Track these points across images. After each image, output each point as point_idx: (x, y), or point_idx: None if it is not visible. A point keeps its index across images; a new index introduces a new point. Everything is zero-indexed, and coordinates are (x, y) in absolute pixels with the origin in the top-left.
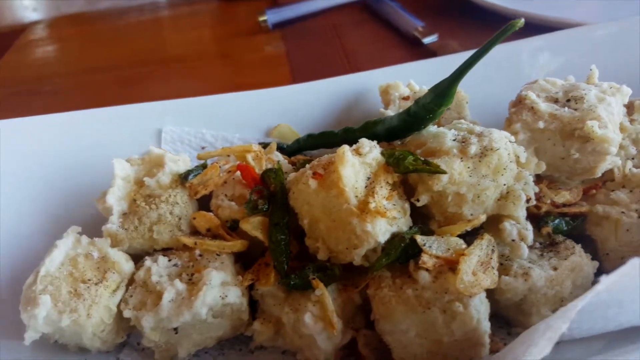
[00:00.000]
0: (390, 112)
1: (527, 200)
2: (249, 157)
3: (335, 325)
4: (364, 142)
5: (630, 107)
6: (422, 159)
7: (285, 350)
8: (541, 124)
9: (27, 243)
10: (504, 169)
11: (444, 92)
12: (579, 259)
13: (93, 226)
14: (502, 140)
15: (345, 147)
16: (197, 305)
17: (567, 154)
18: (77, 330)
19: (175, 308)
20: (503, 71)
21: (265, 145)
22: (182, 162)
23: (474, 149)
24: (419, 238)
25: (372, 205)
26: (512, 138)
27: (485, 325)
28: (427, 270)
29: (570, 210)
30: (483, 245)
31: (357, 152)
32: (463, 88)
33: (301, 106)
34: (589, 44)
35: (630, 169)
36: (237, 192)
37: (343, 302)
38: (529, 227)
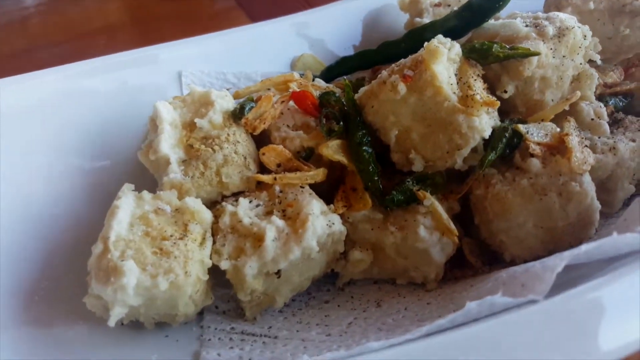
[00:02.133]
0: (427, 21)
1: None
2: (294, 86)
3: (454, 232)
4: (441, 37)
5: None
6: (508, 46)
7: (377, 280)
8: (592, 5)
9: (55, 211)
10: (580, 47)
11: None
12: None
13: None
14: (571, 20)
15: (436, 40)
16: (308, 236)
17: (616, 32)
18: (174, 294)
19: (282, 246)
20: None
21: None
22: (228, 98)
23: (551, 30)
24: (521, 127)
25: (477, 97)
26: (575, 18)
27: (597, 203)
28: (535, 157)
29: (621, 89)
30: (574, 126)
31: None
32: None
33: (318, 34)
34: None
35: None
36: (298, 121)
37: (445, 210)
38: (602, 105)
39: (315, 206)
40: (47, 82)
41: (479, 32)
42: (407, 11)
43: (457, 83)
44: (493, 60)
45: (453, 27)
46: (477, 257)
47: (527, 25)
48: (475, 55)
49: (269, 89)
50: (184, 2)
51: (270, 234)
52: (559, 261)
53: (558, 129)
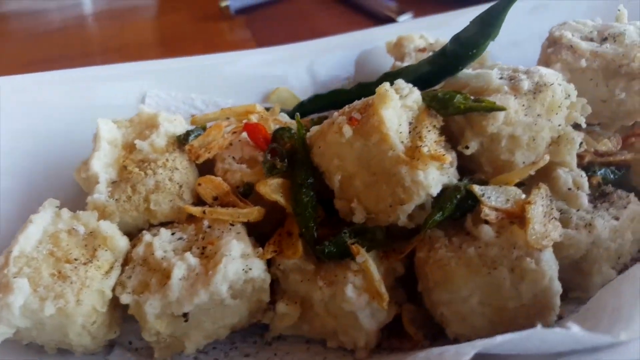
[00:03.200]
0: (398, 62)
1: (579, 146)
2: (253, 119)
3: (384, 297)
4: (401, 83)
5: None
6: (472, 97)
7: (309, 340)
8: (583, 63)
9: None
10: (559, 107)
11: (493, 20)
12: (638, 207)
13: (72, 202)
14: (553, 76)
15: (387, 84)
16: (217, 280)
17: (611, 95)
18: (63, 322)
19: (189, 287)
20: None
21: (266, 110)
22: (178, 122)
23: (526, 85)
24: (476, 188)
25: (424, 149)
26: (561, 76)
27: (557, 285)
28: (488, 224)
29: (615, 160)
30: (543, 195)
31: (399, 94)
32: None
33: (299, 68)
34: None
35: None
36: (245, 154)
37: (385, 271)
38: (583, 174)
39: (234, 247)
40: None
41: (452, 81)
42: (392, 54)
43: (410, 132)
44: (453, 111)
45: (426, 73)
46: (418, 329)
47: (501, 78)
48: (436, 104)
49: (228, 118)
50: (210, 25)
51: (177, 272)
52: (470, 349)
53: (523, 196)
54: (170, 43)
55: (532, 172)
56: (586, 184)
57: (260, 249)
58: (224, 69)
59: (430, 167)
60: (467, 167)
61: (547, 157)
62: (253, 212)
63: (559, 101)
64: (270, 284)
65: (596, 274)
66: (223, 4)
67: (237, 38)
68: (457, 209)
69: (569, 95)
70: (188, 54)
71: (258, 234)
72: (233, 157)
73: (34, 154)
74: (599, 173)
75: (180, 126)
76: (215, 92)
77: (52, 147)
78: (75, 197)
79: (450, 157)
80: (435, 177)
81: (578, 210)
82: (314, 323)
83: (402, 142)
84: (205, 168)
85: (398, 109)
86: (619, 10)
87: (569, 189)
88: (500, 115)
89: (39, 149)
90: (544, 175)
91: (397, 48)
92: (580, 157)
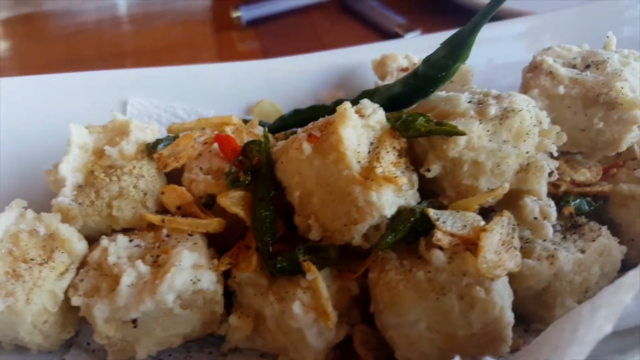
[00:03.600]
0: (380, 81)
1: (549, 174)
2: (228, 131)
3: (330, 316)
4: (366, 102)
5: None
6: (435, 120)
7: (264, 354)
8: (562, 89)
9: None
10: (527, 134)
11: (461, 44)
12: (607, 241)
13: (45, 204)
14: (524, 102)
15: (347, 104)
16: (163, 290)
17: (589, 124)
18: (13, 319)
19: (136, 294)
20: (509, 49)
21: (245, 122)
22: (150, 131)
23: (493, 110)
24: (432, 212)
25: (378, 170)
26: (533, 102)
27: (509, 316)
28: (441, 249)
29: (592, 190)
30: (504, 223)
31: (359, 114)
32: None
33: (285, 81)
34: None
35: None
36: (214, 165)
37: (338, 291)
38: (552, 204)
39: (184, 257)
40: None
41: (423, 103)
42: (375, 73)
43: (369, 153)
44: (414, 133)
45: (399, 93)
46: (370, 351)
47: (470, 102)
48: (399, 126)
49: (203, 129)
50: (221, 35)
51: (126, 278)
52: None
53: (482, 222)
54: (181, 50)
55: (491, 200)
56: (553, 214)
57: (216, 260)
58: (208, 79)
59: (385, 188)
60: (432, 190)
61: (506, 185)
62: (212, 224)
63: (528, 128)
64: (230, 295)
65: (559, 307)
66: (235, 15)
67: (245, 49)
68: (411, 232)
69: (540, 122)
70: (196, 61)
71: (221, 246)
72: (200, 168)
73: (12, 155)
74: (572, 203)
75: (152, 134)
76: (198, 102)
77: (31, 149)
78: (48, 199)
79: (404, 180)
80: (390, 198)
81: (545, 240)
82: (266, 338)
83: (359, 162)
84: (175, 177)
85: (359, 128)
86: (607, 37)
87: (535, 218)
88: (461, 139)
89: (18, 150)
90: (512, 202)
91: (380, 67)
92: (555, 186)
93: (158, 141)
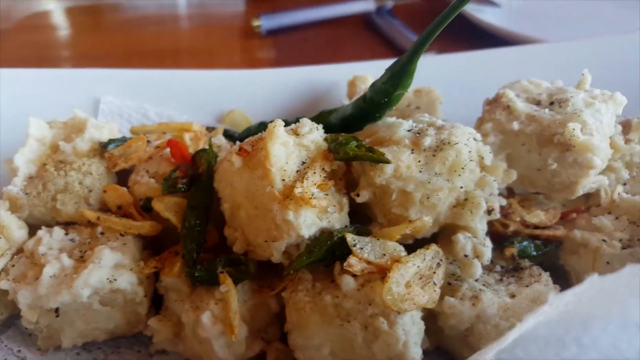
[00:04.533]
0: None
1: (489, 212)
2: (186, 137)
3: (235, 329)
4: (305, 121)
5: (626, 126)
6: (367, 146)
7: (188, 359)
8: (515, 125)
9: None
10: (462, 168)
11: (400, 71)
12: (543, 288)
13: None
14: (464, 135)
15: (278, 122)
16: (78, 284)
17: (544, 164)
18: None
19: (56, 285)
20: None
21: (211, 130)
22: (107, 130)
23: (428, 141)
24: (350, 237)
25: (297, 191)
26: (478, 136)
27: (415, 352)
28: (352, 275)
29: (543, 233)
30: (427, 257)
31: (295, 132)
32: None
33: (261, 93)
34: (578, 57)
35: (619, 194)
36: (161, 169)
37: (255, 306)
38: (488, 243)
39: (106, 256)
40: None
41: (369, 127)
42: (348, 92)
43: (298, 172)
44: (343, 156)
45: (349, 116)
46: None
47: (410, 130)
48: (333, 147)
49: (164, 133)
50: (241, 42)
51: (49, 269)
52: None
53: (403, 253)
54: (200, 53)
55: (409, 231)
56: (486, 254)
57: (142, 262)
58: (184, 85)
59: (304, 209)
60: (367, 217)
61: (426, 219)
62: (145, 226)
63: (464, 162)
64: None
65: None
66: (255, 23)
67: (261, 57)
68: (328, 255)
69: (482, 158)
70: (211, 66)
71: (159, 250)
72: (147, 171)
73: None
74: (517, 245)
75: (110, 134)
76: (172, 106)
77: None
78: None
79: (323, 202)
80: (310, 219)
81: (477, 280)
82: (186, 344)
83: (284, 179)
84: (127, 179)
85: (290, 146)
86: (582, 74)
87: (466, 255)
88: (388, 168)
89: None
90: (448, 237)
91: (350, 87)
92: (504, 225)
93: (110, 141)
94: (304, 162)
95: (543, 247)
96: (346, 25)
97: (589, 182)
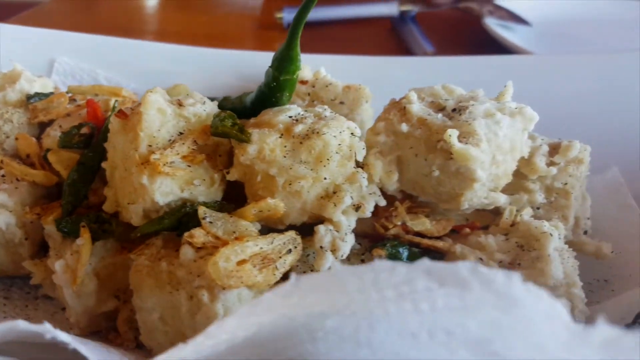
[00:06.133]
0: None
1: (357, 209)
2: (112, 100)
3: (77, 280)
4: (194, 94)
5: (555, 148)
6: (241, 126)
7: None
8: (404, 127)
9: None
10: (328, 159)
11: (282, 57)
12: None
13: None
14: (338, 127)
15: (158, 88)
16: None
17: (430, 171)
18: None
19: None
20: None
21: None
22: (39, 85)
23: (300, 128)
24: (202, 210)
25: (153, 157)
26: (357, 131)
27: None
28: (193, 246)
29: (422, 242)
30: (277, 241)
31: (179, 103)
32: None
33: (208, 71)
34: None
35: (521, 216)
36: None
37: (114, 264)
38: (349, 239)
39: None
40: None
41: (265, 111)
42: None
43: (170, 141)
44: (214, 131)
45: (255, 99)
46: (131, 330)
47: (291, 117)
48: (212, 123)
49: (96, 95)
50: (260, 32)
51: None
52: None
53: (254, 233)
54: (219, 38)
55: (254, 211)
56: (344, 249)
57: (27, 207)
58: (136, 55)
59: (162, 176)
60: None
61: (271, 202)
62: (39, 175)
63: (329, 153)
64: None
65: None
66: (278, 15)
67: (276, 48)
68: (180, 224)
69: (353, 153)
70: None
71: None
72: (60, 126)
73: None
74: (389, 248)
75: (41, 88)
76: (122, 74)
77: None
78: None
79: (180, 173)
80: (167, 187)
81: None
82: (55, 290)
83: (151, 145)
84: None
85: (168, 114)
86: (505, 86)
87: (322, 247)
88: (251, 148)
89: None
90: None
91: None
92: (384, 227)
93: (36, 94)
94: (181, 133)
95: (420, 256)
96: (371, 26)
97: (477, 196)
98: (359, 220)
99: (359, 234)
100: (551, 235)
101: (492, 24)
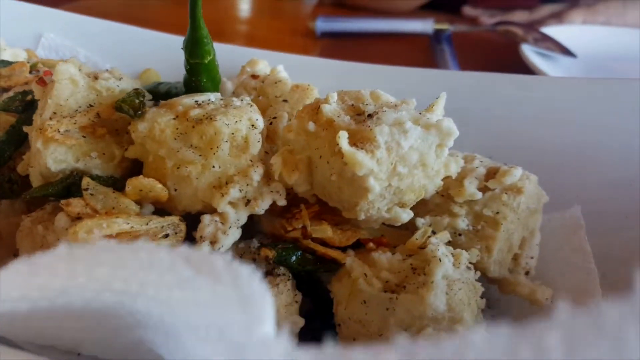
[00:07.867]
0: (230, 83)
1: (247, 203)
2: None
3: None
4: (113, 71)
5: (493, 172)
6: (140, 102)
7: None
8: (311, 127)
9: None
10: (217, 147)
11: (189, 42)
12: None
13: None
14: (235, 117)
15: (73, 60)
16: None
17: (330, 175)
18: None
19: None
20: None
21: None
22: (10, 54)
23: (196, 112)
24: (86, 181)
25: (48, 123)
26: (259, 124)
27: None
28: (69, 215)
29: (318, 249)
30: (154, 223)
31: (95, 76)
32: None
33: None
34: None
35: (431, 239)
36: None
37: (17, 225)
38: (232, 233)
39: None
40: None
41: (192, 94)
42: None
43: (77, 111)
44: (116, 105)
45: (183, 82)
46: None
47: (197, 101)
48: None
49: None
50: (291, 38)
51: None
52: None
53: (137, 212)
54: (249, 41)
55: (129, 188)
56: (223, 242)
57: None
58: (116, 38)
59: (56, 143)
60: None
61: (148, 180)
62: None
63: (218, 142)
64: None
65: None
66: (311, 24)
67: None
68: (65, 192)
69: (248, 146)
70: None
71: None
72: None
73: None
74: (279, 250)
75: (12, 57)
76: (99, 54)
77: None
78: None
79: (72, 142)
80: (60, 155)
81: None
82: None
83: (56, 113)
84: None
85: (80, 85)
86: (438, 97)
87: (201, 236)
88: (140, 125)
89: None
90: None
91: (243, 67)
92: (284, 228)
93: (1, 62)
94: (91, 106)
95: (311, 263)
96: (403, 43)
97: (373, 207)
98: (269, 219)
99: (266, 232)
100: (440, 261)
101: (529, 51)
